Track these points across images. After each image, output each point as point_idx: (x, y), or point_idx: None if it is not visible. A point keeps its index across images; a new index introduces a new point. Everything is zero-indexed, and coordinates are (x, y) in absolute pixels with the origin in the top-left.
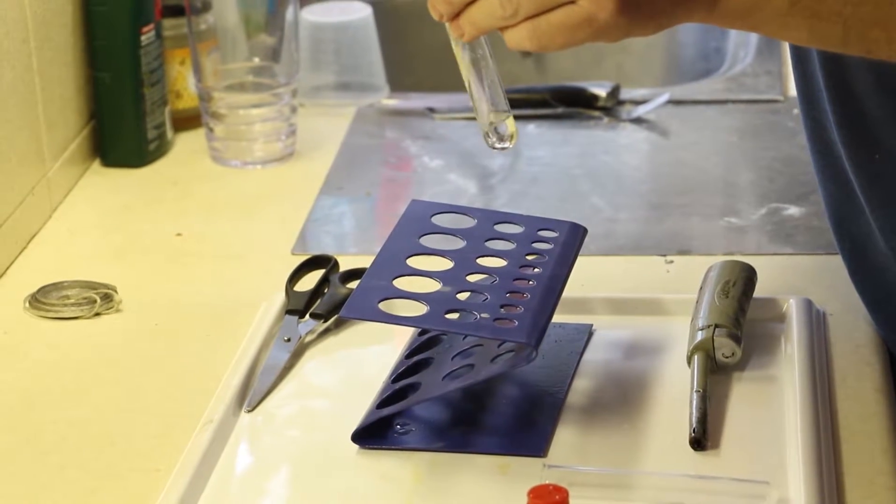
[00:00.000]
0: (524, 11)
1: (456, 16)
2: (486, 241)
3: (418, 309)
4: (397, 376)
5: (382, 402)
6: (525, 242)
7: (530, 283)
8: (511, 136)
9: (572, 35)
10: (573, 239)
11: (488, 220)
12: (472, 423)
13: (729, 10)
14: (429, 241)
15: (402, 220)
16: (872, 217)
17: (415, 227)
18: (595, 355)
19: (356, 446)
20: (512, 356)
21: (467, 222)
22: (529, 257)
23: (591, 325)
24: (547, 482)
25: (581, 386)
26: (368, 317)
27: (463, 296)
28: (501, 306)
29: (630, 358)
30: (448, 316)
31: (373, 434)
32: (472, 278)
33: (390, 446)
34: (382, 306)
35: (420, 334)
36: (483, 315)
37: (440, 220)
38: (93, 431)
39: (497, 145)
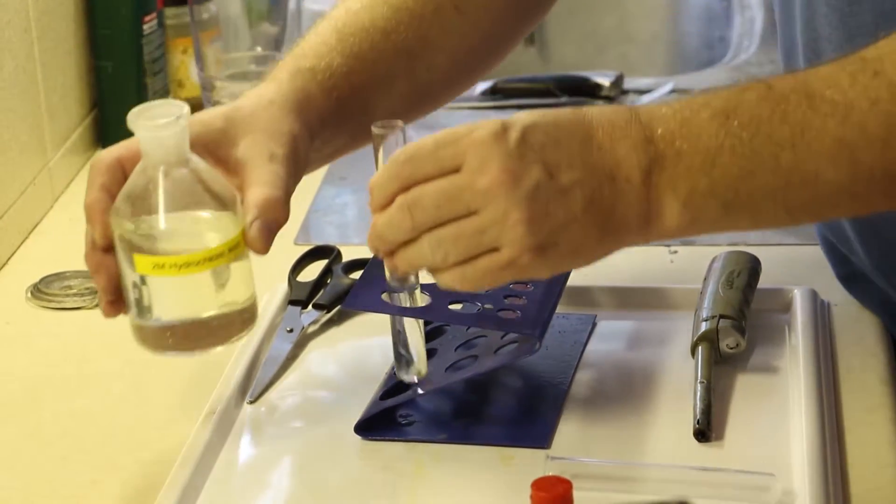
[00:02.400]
0: (452, 259)
1: (391, 253)
2: None
3: (421, 300)
4: None
5: (385, 394)
6: None
7: None
8: (419, 373)
9: (498, 277)
10: None
11: None
12: (475, 414)
13: (664, 231)
14: None
15: None
16: (849, 225)
17: None
18: (599, 346)
19: (359, 437)
20: (515, 347)
21: None
22: None
23: (595, 316)
24: (550, 474)
25: (584, 377)
26: (371, 308)
27: None
28: (505, 297)
29: (634, 349)
30: (451, 307)
31: (376, 425)
32: None
33: (393, 437)
34: (385, 297)
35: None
36: (486, 306)
37: None
38: (95, 422)
39: (405, 377)
